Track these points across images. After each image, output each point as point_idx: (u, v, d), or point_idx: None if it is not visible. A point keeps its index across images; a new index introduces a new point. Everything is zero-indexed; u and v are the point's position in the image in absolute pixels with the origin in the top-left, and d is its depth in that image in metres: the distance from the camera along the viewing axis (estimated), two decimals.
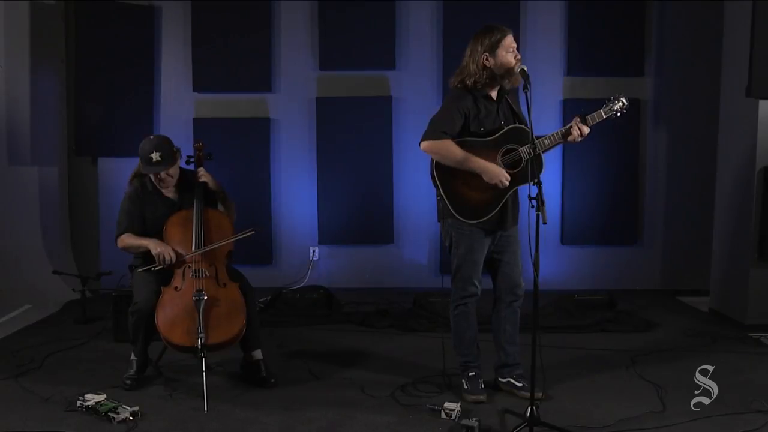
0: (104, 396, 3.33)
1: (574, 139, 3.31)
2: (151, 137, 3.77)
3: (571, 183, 5.99)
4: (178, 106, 6.08)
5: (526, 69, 3.23)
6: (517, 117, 3.46)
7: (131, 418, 3.17)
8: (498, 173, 3.28)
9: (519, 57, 3.37)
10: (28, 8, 5.56)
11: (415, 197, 6.08)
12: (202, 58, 6.01)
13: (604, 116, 3.31)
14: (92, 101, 5.94)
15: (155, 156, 3.65)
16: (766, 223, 4.70)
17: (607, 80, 5.93)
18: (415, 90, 6.05)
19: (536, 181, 3.02)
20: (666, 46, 5.99)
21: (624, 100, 3.29)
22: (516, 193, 3.47)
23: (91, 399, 3.28)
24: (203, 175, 3.82)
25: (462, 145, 3.31)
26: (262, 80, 6.04)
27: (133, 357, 3.69)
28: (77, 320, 4.91)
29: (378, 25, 5.96)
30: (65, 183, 6.03)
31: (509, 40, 3.36)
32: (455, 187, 3.38)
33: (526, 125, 3.29)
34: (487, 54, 3.34)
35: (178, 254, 3.62)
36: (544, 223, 2.99)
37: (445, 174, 3.37)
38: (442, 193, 3.40)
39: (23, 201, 5.56)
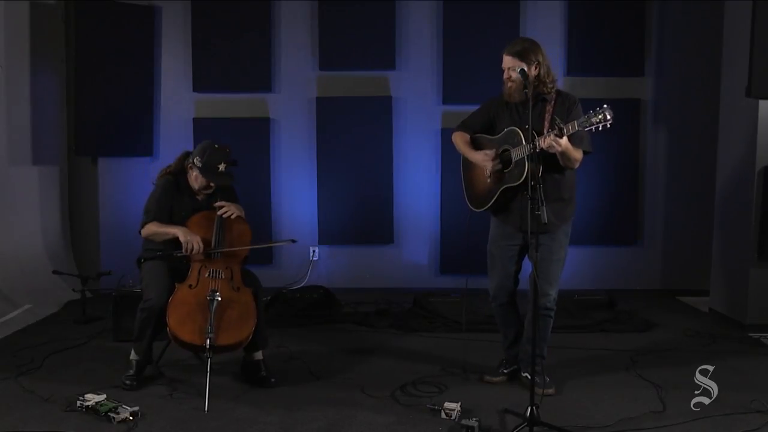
0: (104, 396, 3.32)
1: (548, 148, 3.21)
2: (218, 146, 3.75)
3: None
4: (178, 106, 6.07)
5: (526, 69, 3.30)
6: (543, 122, 3.39)
7: (131, 418, 3.17)
8: (482, 158, 3.54)
9: (509, 77, 3.43)
10: (28, 8, 5.56)
11: (415, 197, 6.09)
12: (202, 58, 6.01)
13: (578, 128, 3.14)
14: (92, 101, 5.93)
15: (222, 167, 3.70)
16: (766, 223, 4.70)
17: (607, 80, 5.94)
18: (415, 90, 6.06)
19: (536, 182, 3.05)
20: (666, 46, 5.99)
21: (608, 114, 3.01)
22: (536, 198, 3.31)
23: (91, 399, 3.28)
24: (225, 207, 3.76)
25: (474, 140, 3.67)
26: (262, 80, 6.04)
27: (132, 357, 3.68)
28: (77, 320, 4.91)
29: (378, 25, 5.96)
30: (65, 183, 6.03)
31: (504, 62, 3.47)
32: (466, 175, 3.73)
33: (541, 129, 3.34)
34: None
35: (205, 245, 3.64)
36: (544, 222, 3.03)
37: (462, 163, 3.75)
38: (462, 179, 3.76)
39: (23, 201, 5.56)
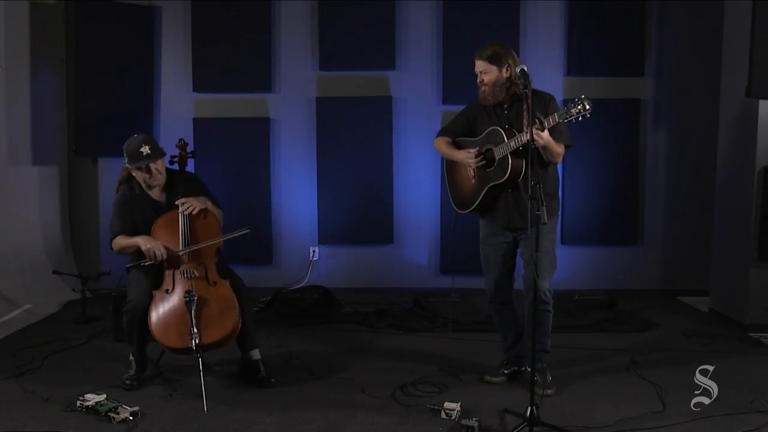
0: (104, 396, 3.33)
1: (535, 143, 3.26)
2: (135, 136, 3.79)
3: (570, 183, 5.98)
4: (178, 106, 6.07)
5: (525, 69, 3.30)
6: (521, 121, 3.45)
7: (131, 418, 3.18)
8: (464, 155, 3.58)
9: (482, 80, 3.53)
10: (28, 8, 5.56)
11: (415, 197, 6.09)
12: (202, 58, 6.01)
13: (558, 120, 3.25)
14: (92, 101, 5.92)
15: (145, 149, 3.67)
16: (766, 223, 4.70)
17: (607, 80, 5.93)
18: (415, 90, 6.05)
19: (536, 181, 3.07)
20: (666, 46, 5.99)
21: (586, 104, 3.14)
22: (518, 193, 3.51)
23: (91, 399, 3.29)
24: (186, 203, 3.71)
25: (457, 143, 3.72)
26: (262, 80, 6.03)
27: (131, 357, 3.69)
28: (77, 320, 4.91)
29: (378, 25, 5.95)
30: (65, 183, 6.03)
31: (476, 66, 3.56)
32: (450, 178, 3.79)
33: (521, 128, 3.41)
34: None
35: (168, 250, 3.62)
36: (544, 223, 3.06)
37: (446, 165, 3.83)
38: (447, 182, 3.82)
39: (23, 201, 5.56)
